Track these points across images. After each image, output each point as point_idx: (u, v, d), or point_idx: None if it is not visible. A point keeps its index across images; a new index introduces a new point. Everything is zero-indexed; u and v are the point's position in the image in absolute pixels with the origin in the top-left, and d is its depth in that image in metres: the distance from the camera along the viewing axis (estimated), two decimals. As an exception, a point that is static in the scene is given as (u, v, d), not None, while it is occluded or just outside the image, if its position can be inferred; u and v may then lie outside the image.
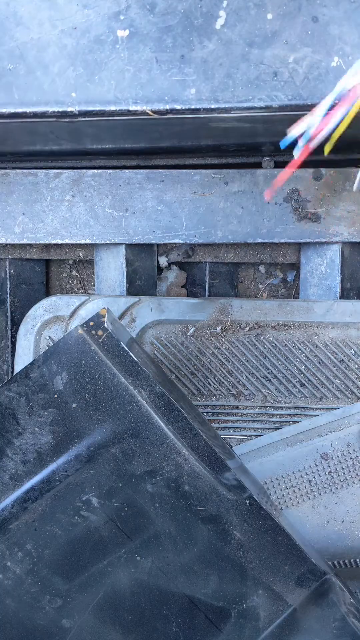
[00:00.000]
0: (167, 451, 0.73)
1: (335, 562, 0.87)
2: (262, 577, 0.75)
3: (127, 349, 0.73)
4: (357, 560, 0.87)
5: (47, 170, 0.95)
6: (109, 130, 0.83)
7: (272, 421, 0.92)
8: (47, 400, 0.72)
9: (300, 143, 0.64)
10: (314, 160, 0.95)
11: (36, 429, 0.73)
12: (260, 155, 0.96)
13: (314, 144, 0.64)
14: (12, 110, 0.72)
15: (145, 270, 1.00)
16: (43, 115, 0.72)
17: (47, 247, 1.03)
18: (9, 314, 1.04)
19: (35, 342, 0.94)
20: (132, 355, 0.73)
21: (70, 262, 1.07)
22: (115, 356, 0.73)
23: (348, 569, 0.87)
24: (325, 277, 0.96)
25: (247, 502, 0.74)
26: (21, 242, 0.96)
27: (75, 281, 1.08)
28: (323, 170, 0.92)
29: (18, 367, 0.93)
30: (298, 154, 0.65)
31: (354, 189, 0.79)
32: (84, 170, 0.95)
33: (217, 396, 0.92)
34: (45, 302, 0.94)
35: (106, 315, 0.73)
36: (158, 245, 1.00)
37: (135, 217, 0.94)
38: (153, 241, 0.94)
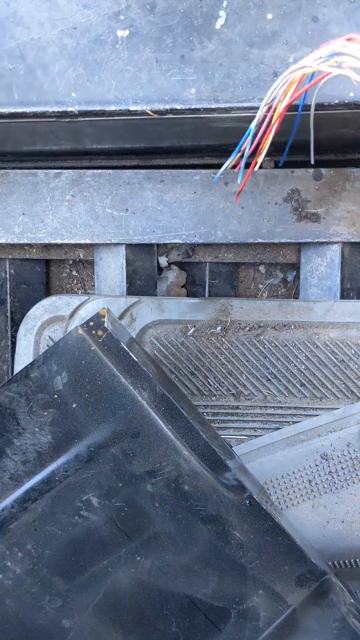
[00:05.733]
0: (167, 451, 0.73)
1: (335, 562, 0.87)
2: (262, 577, 0.75)
3: (127, 349, 0.73)
4: (357, 560, 0.87)
5: (47, 170, 0.95)
6: (109, 130, 0.83)
7: (272, 421, 0.92)
8: (47, 400, 0.72)
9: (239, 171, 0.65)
10: (314, 160, 0.95)
11: (36, 429, 0.73)
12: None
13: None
14: (12, 110, 0.72)
15: (145, 270, 1.00)
16: (43, 115, 0.72)
17: (47, 247, 1.03)
18: (9, 314, 1.04)
19: (35, 342, 0.94)
20: (132, 355, 0.73)
21: (70, 262, 1.07)
22: (115, 356, 0.73)
23: (348, 569, 0.87)
24: (325, 277, 0.96)
25: (247, 502, 0.74)
26: (21, 242, 0.96)
27: (75, 281, 1.08)
28: (323, 170, 0.92)
29: (18, 367, 0.93)
30: (241, 178, 0.65)
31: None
32: (84, 170, 0.95)
33: (217, 396, 0.92)
34: (45, 302, 0.94)
35: (106, 315, 0.73)
36: (158, 245, 1.00)
37: (135, 217, 0.94)
38: (153, 241, 0.94)
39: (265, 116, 0.62)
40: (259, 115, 0.62)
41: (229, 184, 0.93)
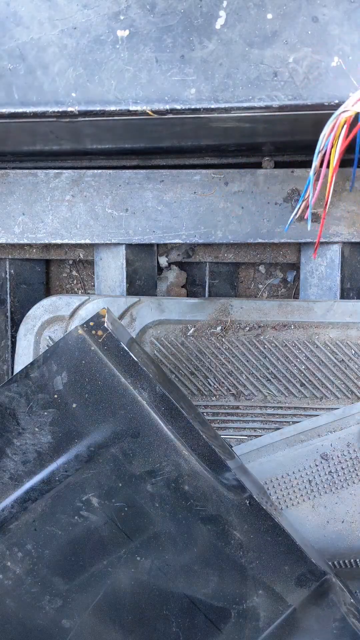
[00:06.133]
0: (167, 451, 0.73)
1: (335, 562, 0.87)
2: (262, 577, 0.75)
3: (127, 349, 0.73)
4: (357, 560, 0.87)
5: (47, 170, 0.95)
6: (109, 130, 0.83)
7: (272, 421, 0.92)
8: (47, 400, 0.72)
9: (307, 218, 0.65)
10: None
11: (36, 429, 0.73)
12: (260, 155, 0.96)
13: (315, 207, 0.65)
14: (12, 110, 0.72)
15: (145, 270, 1.00)
16: (43, 115, 0.72)
17: (47, 247, 1.03)
18: (9, 314, 1.04)
19: (35, 342, 0.94)
20: (132, 355, 0.73)
21: (70, 262, 1.07)
22: (115, 356, 0.73)
23: (348, 569, 0.87)
24: (325, 277, 0.96)
25: (247, 502, 0.74)
26: (21, 242, 0.96)
27: (75, 281, 1.08)
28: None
29: (18, 367, 0.93)
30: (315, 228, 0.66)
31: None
32: (84, 170, 0.95)
33: (217, 396, 0.92)
34: (45, 302, 0.94)
35: (106, 315, 0.73)
36: (158, 245, 1.00)
37: (135, 217, 0.94)
38: (153, 241, 0.94)
39: (321, 162, 0.62)
40: (315, 163, 0.62)
41: (229, 184, 0.93)
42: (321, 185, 0.63)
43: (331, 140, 0.61)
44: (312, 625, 0.75)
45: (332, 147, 0.61)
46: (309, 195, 0.63)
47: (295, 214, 0.64)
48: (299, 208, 0.64)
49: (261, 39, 0.69)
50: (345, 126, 0.61)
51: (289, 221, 0.65)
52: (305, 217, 0.65)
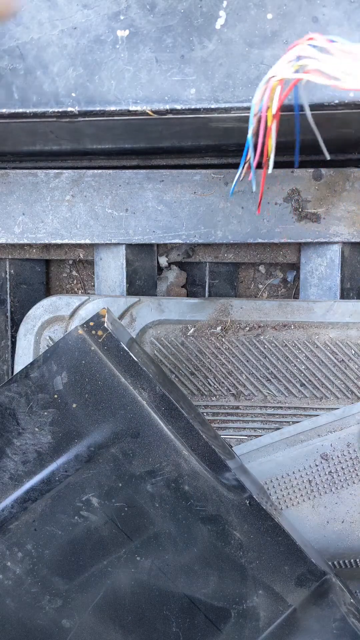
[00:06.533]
0: (167, 451, 0.73)
1: (335, 562, 0.87)
2: (262, 577, 0.75)
3: (127, 349, 0.73)
4: (357, 560, 0.87)
5: (47, 170, 0.95)
6: (109, 130, 0.83)
7: (272, 421, 0.92)
8: (47, 400, 0.72)
9: (251, 179, 0.65)
10: (314, 160, 0.95)
11: (36, 429, 0.73)
12: (260, 155, 0.96)
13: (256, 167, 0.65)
14: (12, 110, 0.72)
15: (145, 270, 1.00)
16: (43, 115, 0.72)
17: (47, 247, 1.03)
18: (9, 314, 1.04)
19: (35, 342, 0.94)
20: (132, 356, 0.73)
21: (70, 262, 1.07)
22: (115, 356, 0.73)
23: (348, 569, 0.87)
24: (325, 277, 0.96)
25: (247, 502, 0.74)
26: (21, 242, 0.96)
27: (75, 281, 1.08)
28: (323, 171, 0.92)
29: (18, 367, 0.93)
30: (256, 186, 0.66)
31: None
32: (84, 170, 0.95)
33: (217, 396, 0.92)
34: (45, 302, 0.94)
35: (106, 316, 0.73)
36: (158, 245, 1.00)
37: (135, 217, 0.94)
38: (153, 241, 0.94)
39: (258, 126, 0.62)
40: (251, 127, 0.62)
41: (229, 184, 0.93)
42: (266, 148, 0.64)
43: (265, 102, 0.61)
44: (312, 625, 0.75)
45: (267, 109, 0.61)
46: (250, 157, 0.63)
47: (240, 175, 0.64)
48: (242, 169, 0.64)
49: (261, 39, 0.69)
50: (279, 87, 0.61)
51: (234, 184, 0.65)
52: (249, 179, 0.65)
